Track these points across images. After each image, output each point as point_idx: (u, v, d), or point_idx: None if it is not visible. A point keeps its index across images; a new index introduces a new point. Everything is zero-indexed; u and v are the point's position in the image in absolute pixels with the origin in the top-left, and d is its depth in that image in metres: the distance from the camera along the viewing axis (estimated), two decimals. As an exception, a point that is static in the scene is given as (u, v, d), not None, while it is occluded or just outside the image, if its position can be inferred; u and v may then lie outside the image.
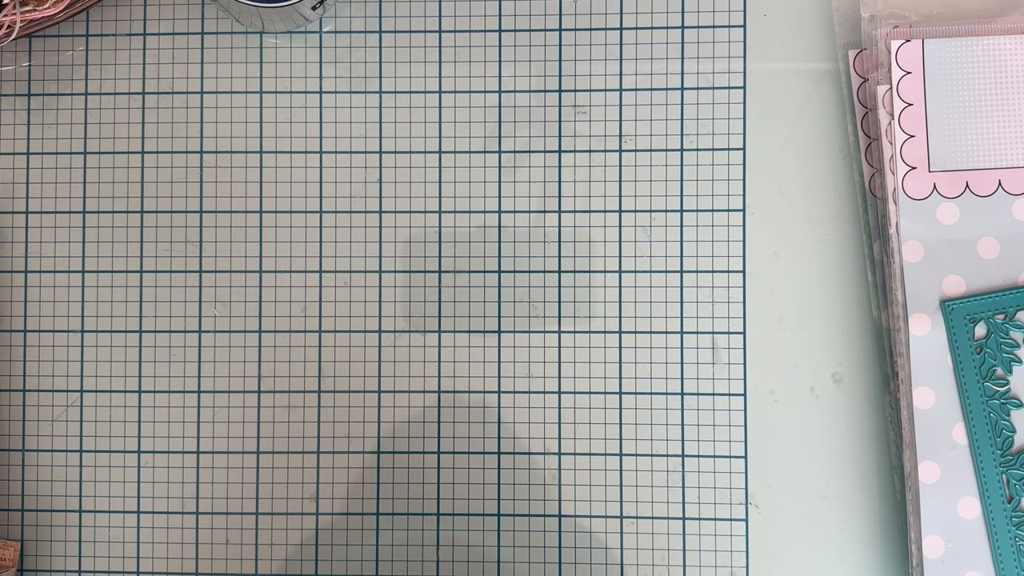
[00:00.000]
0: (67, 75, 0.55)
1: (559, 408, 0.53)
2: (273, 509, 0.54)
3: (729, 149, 0.53)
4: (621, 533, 0.53)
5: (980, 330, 0.50)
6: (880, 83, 0.51)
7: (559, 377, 0.53)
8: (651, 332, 0.53)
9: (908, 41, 0.50)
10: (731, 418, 0.53)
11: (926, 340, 0.50)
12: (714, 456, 0.53)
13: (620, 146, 0.54)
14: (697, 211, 0.53)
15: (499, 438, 0.53)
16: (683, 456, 0.53)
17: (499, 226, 0.54)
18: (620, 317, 0.53)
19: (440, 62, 0.54)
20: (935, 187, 0.50)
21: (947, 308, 0.50)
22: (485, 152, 0.54)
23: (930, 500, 0.49)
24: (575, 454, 0.53)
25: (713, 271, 0.53)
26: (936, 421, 0.50)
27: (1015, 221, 0.50)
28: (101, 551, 0.54)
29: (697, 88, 0.53)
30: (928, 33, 0.51)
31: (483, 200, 0.54)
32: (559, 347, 0.53)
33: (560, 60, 0.54)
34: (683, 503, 0.53)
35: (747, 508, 0.53)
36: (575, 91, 0.54)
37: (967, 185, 0.50)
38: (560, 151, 0.54)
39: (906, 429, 0.50)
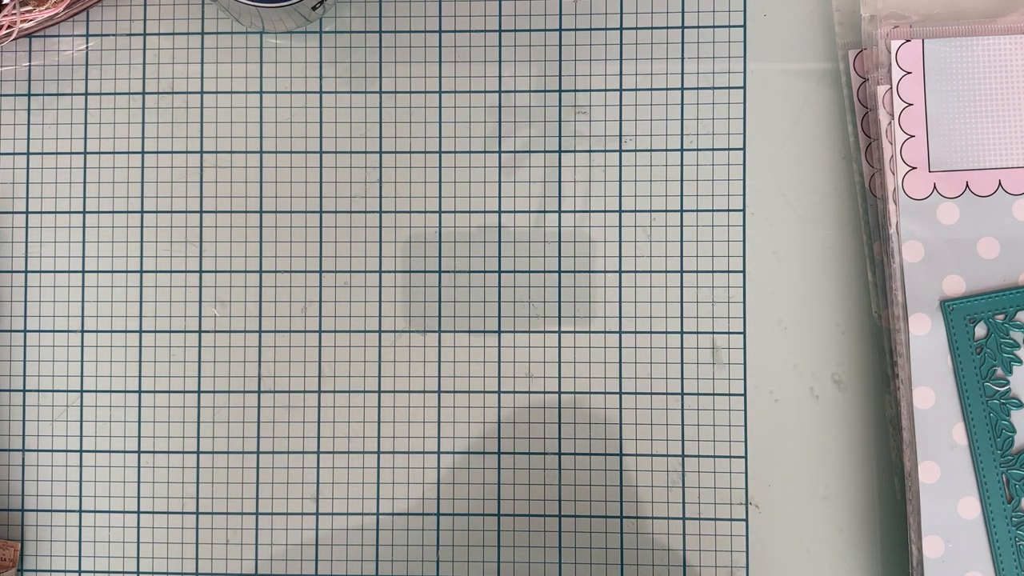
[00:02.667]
0: (67, 75, 0.55)
1: (559, 408, 0.53)
2: (273, 509, 0.54)
3: (729, 149, 0.53)
4: (621, 533, 0.53)
5: (980, 330, 0.50)
6: (880, 83, 0.51)
7: (559, 377, 0.53)
8: (651, 332, 0.53)
9: (908, 41, 0.50)
10: (731, 418, 0.53)
11: (926, 340, 0.50)
12: (714, 456, 0.53)
13: (620, 146, 0.54)
14: (697, 211, 0.53)
15: (499, 438, 0.53)
16: (683, 456, 0.53)
17: (499, 226, 0.54)
18: (620, 317, 0.53)
19: (440, 62, 0.54)
20: (935, 187, 0.50)
21: (947, 308, 0.50)
22: (485, 152, 0.54)
23: (930, 500, 0.49)
24: (575, 454, 0.53)
25: (713, 271, 0.53)
26: (936, 421, 0.50)
27: (1015, 221, 0.50)
28: (101, 551, 0.54)
29: (697, 88, 0.53)
30: (928, 33, 0.51)
31: (483, 200, 0.54)
32: (559, 347, 0.53)
33: (560, 60, 0.54)
34: (683, 503, 0.53)
35: (747, 508, 0.53)
36: (575, 91, 0.54)
37: (967, 185, 0.50)
38: (560, 151, 0.54)
39: (906, 429, 0.50)
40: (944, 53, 0.50)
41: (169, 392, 0.54)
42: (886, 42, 0.51)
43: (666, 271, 0.53)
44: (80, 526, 0.54)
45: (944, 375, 0.50)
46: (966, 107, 0.50)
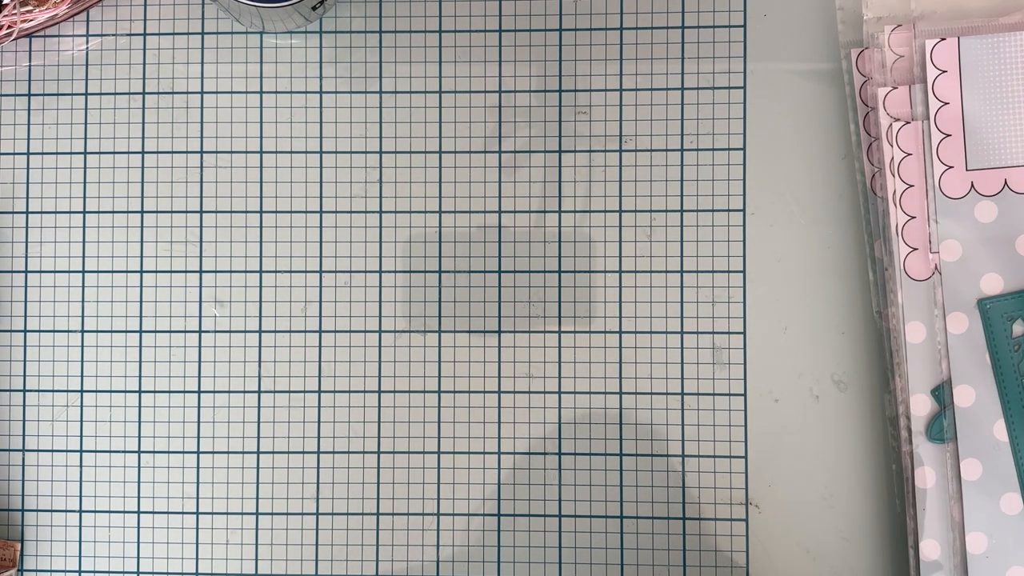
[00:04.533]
0: (67, 75, 0.55)
1: (559, 408, 0.53)
2: (273, 509, 0.54)
3: (729, 149, 0.53)
4: (621, 533, 0.53)
5: (1018, 328, 0.49)
6: (881, 84, 0.51)
7: (559, 377, 0.53)
8: (651, 332, 0.53)
9: (943, 39, 0.50)
10: (731, 418, 0.53)
11: (964, 338, 0.49)
12: (714, 456, 0.53)
13: (620, 146, 0.53)
14: (697, 211, 0.53)
15: (499, 438, 0.53)
16: (683, 456, 0.53)
17: (499, 226, 0.54)
18: (620, 317, 0.53)
19: (440, 62, 0.54)
20: (972, 185, 0.50)
21: (984, 306, 0.49)
22: (485, 152, 0.54)
23: (973, 497, 0.49)
24: (575, 454, 0.53)
25: (713, 271, 0.53)
26: (977, 418, 0.49)
27: (1056, 217, 0.49)
28: (101, 551, 0.54)
29: (697, 88, 0.53)
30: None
31: (483, 200, 0.54)
32: (559, 347, 0.53)
33: (560, 60, 0.54)
34: (683, 503, 0.53)
35: (747, 508, 0.53)
36: (575, 91, 0.54)
37: (1005, 182, 0.49)
38: (560, 151, 0.54)
39: (948, 425, 0.50)
40: (979, 50, 0.49)
41: (169, 392, 0.54)
42: (888, 42, 0.50)
43: (666, 271, 0.53)
44: (80, 526, 0.54)
45: (983, 373, 0.49)
46: (1003, 104, 0.49)
